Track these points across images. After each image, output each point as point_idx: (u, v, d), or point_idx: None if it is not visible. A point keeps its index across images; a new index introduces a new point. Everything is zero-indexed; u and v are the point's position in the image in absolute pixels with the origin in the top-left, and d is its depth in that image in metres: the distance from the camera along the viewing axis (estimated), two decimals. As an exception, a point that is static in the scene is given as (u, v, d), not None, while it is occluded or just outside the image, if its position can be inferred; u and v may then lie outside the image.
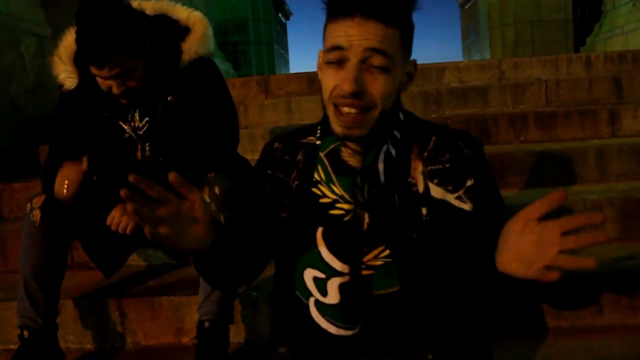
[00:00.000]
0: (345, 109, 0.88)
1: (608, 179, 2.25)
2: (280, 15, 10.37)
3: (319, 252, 0.94)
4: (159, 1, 1.66)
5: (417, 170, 0.96)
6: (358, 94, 0.86)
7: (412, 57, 0.96)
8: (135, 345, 1.73)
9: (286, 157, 1.03)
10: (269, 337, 1.22)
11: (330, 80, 0.89)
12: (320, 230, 0.94)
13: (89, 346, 1.75)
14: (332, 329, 0.97)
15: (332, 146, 0.96)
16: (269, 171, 1.04)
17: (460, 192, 0.95)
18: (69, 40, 1.61)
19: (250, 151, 2.51)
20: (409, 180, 0.95)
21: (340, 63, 0.88)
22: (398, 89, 0.94)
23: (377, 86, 0.88)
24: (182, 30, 1.62)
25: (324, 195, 0.96)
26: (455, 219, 0.95)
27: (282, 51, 10.40)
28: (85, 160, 1.55)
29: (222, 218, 1.46)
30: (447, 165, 0.96)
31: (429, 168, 0.96)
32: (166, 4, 1.66)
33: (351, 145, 0.95)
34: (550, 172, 2.26)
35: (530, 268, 0.80)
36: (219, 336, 1.47)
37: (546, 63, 3.36)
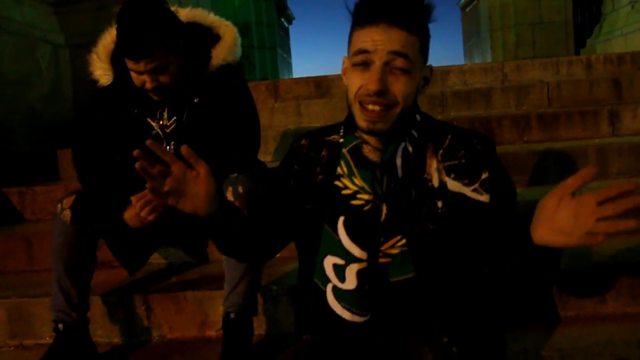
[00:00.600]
0: (370, 106, 0.99)
1: (608, 177, 2.34)
2: (283, 19, 10.48)
3: (339, 240, 1.02)
4: (193, 9, 1.76)
5: (432, 166, 1.04)
6: (382, 93, 0.97)
7: None
8: (160, 339, 1.82)
9: (311, 154, 1.12)
10: (294, 326, 1.30)
11: (357, 81, 0.99)
12: (341, 219, 1.02)
13: (117, 340, 1.84)
14: (346, 314, 1.03)
15: (354, 143, 1.05)
16: (295, 166, 1.13)
17: (476, 185, 1.03)
18: (107, 40, 1.71)
19: (263, 153, 2.59)
20: (425, 176, 1.04)
21: (365, 65, 0.98)
22: (416, 90, 1.03)
23: (399, 86, 0.98)
24: (212, 37, 1.72)
25: (346, 187, 1.04)
26: (472, 210, 1.03)
27: (285, 55, 10.50)
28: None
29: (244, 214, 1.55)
30: (463, 161, 1.04)
31: (445, 164, 1.04)
32: (200, 13, 1.76)
33: (372, 142, 1.04)
34: (553, 170, 2.35)
35: (571, 237, 0.86)
36: (244, 327, 1.56)
37: (547, 65, 3.45)
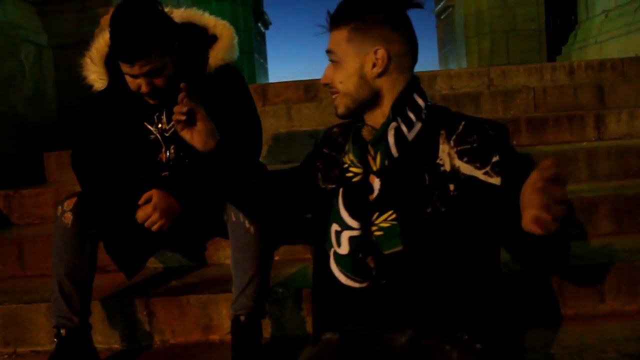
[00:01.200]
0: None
1: (598, 179, 2.41)
2: (259, 24, 10.45)
3: (338, 209, 1.13)
4: (188, 9, 1.74)
5: (445, 151, 1.10)
6: (326, 84, 1.17)
7: None
8: (163, 344, 1.79)
9: (339, 139, 1.23)
10: (312, 324, 1.30)
11: None
12: (341, 190, 1.14)
13: (117, 346, 1.79)
14: (342, 277, 1.12)
15: (358, 125, 1.17)
16: (325, 149, 1.25)
17: (487, 168, 1.08)
18: (100, 43, 1.68)
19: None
20: (438, 161, 1.10)
21: None
22: (360, 75, 1.11)
23: (335, 75, 1.14)
24: (209, 38, 1.70)
25: (344, 162, 1.17)
26: (484, 193, 1.07)
27: (262, 60, 10.48)
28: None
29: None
30: (475, 145, 1.09)
31: (458, 148, 1.10)
32: (194, 13, 1.74)
33: (369, 123, 1.16)
34: (545, 173, 2.39)
35: (526, 220, 0.87)
36: (254, 330, 1.54)
37: (532, 71, 3.53)
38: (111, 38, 1.54)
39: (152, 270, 2.07)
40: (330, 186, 1.20)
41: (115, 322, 1.80)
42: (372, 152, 1.11)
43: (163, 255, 2.11)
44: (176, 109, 1.27)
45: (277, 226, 1.65)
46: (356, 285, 1.11)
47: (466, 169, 1.08)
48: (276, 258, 1.98)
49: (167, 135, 1.69)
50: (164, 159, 1.70)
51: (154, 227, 1.56)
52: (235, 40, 1.73)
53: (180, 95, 1.27)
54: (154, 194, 1.58)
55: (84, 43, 3.76)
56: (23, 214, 2.54)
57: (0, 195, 2.56)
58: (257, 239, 1.55)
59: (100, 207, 1.65)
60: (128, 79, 1.58)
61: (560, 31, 8.88)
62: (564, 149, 2.52)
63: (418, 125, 1.11)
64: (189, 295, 1.78)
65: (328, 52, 1.14)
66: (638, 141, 2.66)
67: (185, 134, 1.29)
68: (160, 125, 1.69)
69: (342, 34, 1.12)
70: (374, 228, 1.10)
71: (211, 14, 1.78)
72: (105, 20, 1.72)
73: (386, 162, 1.09)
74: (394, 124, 1.09)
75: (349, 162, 1.15)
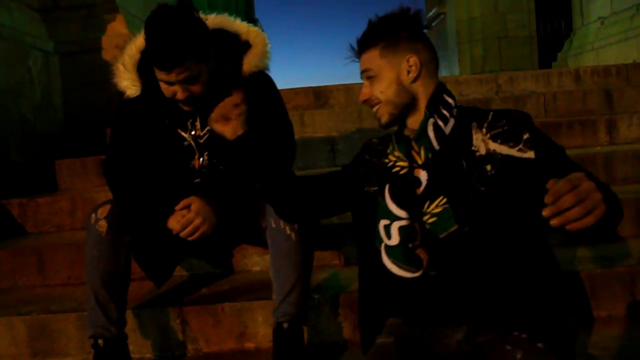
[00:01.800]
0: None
1: (616, 183, 2.43)
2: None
3: (386, 204, 1.19)
4: (219, 15, 1.73)
5: (478, 139, 1.21)
6: (365, 101, 1.29)
7: None
8: (196, 353, 1.77)
9: (380, 147, 1.33)
10: (360, 327, 1.30)
11: None
12: (387, 187, 1.21)
13: (149, 355, 1.77)
14: (394, 268, 1.17)
15: (398, 129, 1.30)
16: (367, 157, 1.34)
17: (520, 145, 1.18)
18: (132, 50, 1.66)
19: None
20: (472, 148, 1.20)
21: None
22: (398, 82, 1.23)
23: (374, 88, 1.26)
24: (241, 44, 1.70)
25: (390, 161, 1.26)
26: (521, 168, 1.16)
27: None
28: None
29: None
30: (505, 128, 1.20)
31: (490, 133, 1.21)
32: (226, 19, 1.73)
33: (409, 125, 1.28)
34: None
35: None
36: (296, 337, 1.53)
37: (539, 77, 3.57)
38: (147, 45, 1.52)
39: (178, 278, 2.05)
40: (373, 189, 1.27)
41: (148, 331, 1.77)
42: (416, 148, 1.20)
43: (189, 263, 2.09)
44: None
45: (316, 232, 1.64)
46: (408, 275, 1.16)
47: (501, 149, 1.19)
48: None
49: (200, 142, 1.67)
50: (197, 166, 1.69)
51: (196, 234, 1.54)
52: (269, 47, 1.73)
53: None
54: (193, 200, 1.56)
55: (91, 50, 3.74)
56: (38, 222, 2.51)
57: (14, 204, 2.52)
58: (298, 246, 1.54)
59: (134, 214, 1.63)
60: (163, 86, 1.56)
61: (551, 38, 9.03)
62: (580, 153, 2.55)
63: (452, 121, 1.21)
64: (224, 303, 1.76)
65: (363, 71, 1.26)
66: (651, 145, 2.70)
67: (218, 126, 1.41)
68: (194, 132, 1.68)
69: (374, 53, 1.25)
70: (426, 217, 1.17)
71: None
72: None
73: (429, 155, 1.19)
74: (431, 120, 1.19)
75: (394, 159, 1.24)
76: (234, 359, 1.72)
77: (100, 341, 1.55)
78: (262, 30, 1.77)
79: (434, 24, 11.64)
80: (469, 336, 1.14)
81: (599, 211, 0.90)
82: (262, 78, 1.71)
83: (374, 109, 1.27)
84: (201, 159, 1.69)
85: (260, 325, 1.74)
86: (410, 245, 1.16)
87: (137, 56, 1.66)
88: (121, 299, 1.61)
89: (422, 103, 1.23)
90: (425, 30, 1.30)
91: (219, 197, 1.64)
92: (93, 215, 1.62)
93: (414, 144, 1.21)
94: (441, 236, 1.15)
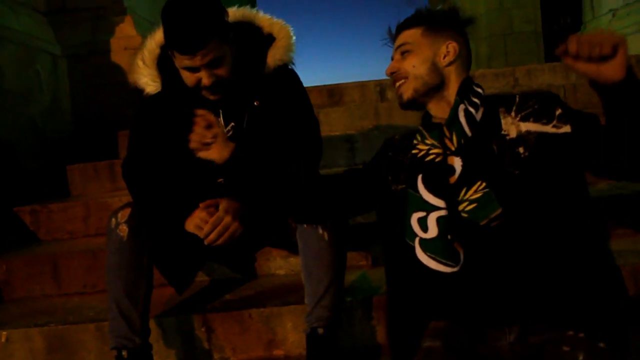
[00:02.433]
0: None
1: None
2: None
3: (420, 196, 1.16)
4: (240, 8, 1.65)
5: (508, 123, 1.18)
6: (392, 73, 1.27)
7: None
8: (223, 361, 1.69)
9: (404, 143, 1.30)
10: (393, 330, 1.24)
11: None
12: (420, 177, 1.18)
13: (173, 365, 1.69)
14: (432, 264, 1.12)
15: (424, 117, 1.28)
16: (390, 153, 1.32)
17: (554, 121, 1.15)
18: (152, 45, 1.59)
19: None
20: (502, 132, 1.18)
21: None
22: (433, 63, 1.22)
23: (406, 63, 1.25)
24: (265, 38, 1.62)
25: (420, 150, 1.22)
26: (558, 145, 1.13)
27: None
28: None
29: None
30: (536, 107, 1.17)
31: (521, 114, 1.17)
32: (247, 12, 1.65)
33: (434, 113, 1.25)
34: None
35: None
36: (332, 342, 1.44)
37: (556, 69, 3.48)
38: (167, 31, 1.44)
39: (199, 284, 1.97)
40: (400, 186, 1.24)
41: (171, 340, 1.69)
42: (447, 134, 1.17)
43: (209, 268, 2.01)
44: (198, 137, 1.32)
45: (347, 231, 1.56)
46: (447, 269, 1.10)
47: (535, 127, 1.15)
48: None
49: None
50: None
51: (226, 234, 1.44)
52: (293, 40, 1.65)
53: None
54: (221, 200, 1.48)
55: (99, 53, 3.67)
56: (51, 229, 2.43)
57: (26, 211, 2.45)
58: (331, 246, 1.46)
59: (156, 218, 1.56)
60: (186, 74, 1.48)
61: (557, 33, 8.94)
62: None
63: (481, 108, 1.19)
64: (251, 310, 1.68)
65: (399, 46, 1.25)
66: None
67: (202, 154, 1.35)
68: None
69: (416, 31, 1.25)
70: (462, 205, 1.12)
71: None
72: None
73: (462, 141, 1.16)
74: (462, 106, 1.17)
75: (426, 147, 1.21)
76: (263, 367, 1.64)
77: (124, 352, 1.47)
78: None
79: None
80: (521, 337, 1.07)
81: (623, 49, 0.96)
82: (286, 73, 1.63)
83: (397, 84, 1.26)
84: None
85: (289, 331, 1.66)
86: (449, 237, 1.11)
87: (157, 51, 1.59)
88: (144, 308, 1.53)
89: (451, 90, 1.22)
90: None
91: (245, 197, 1.55)
92: (113, 219, 1.54)
93: (445, 129, 1.18)
94: (482, 223, 1.10)
